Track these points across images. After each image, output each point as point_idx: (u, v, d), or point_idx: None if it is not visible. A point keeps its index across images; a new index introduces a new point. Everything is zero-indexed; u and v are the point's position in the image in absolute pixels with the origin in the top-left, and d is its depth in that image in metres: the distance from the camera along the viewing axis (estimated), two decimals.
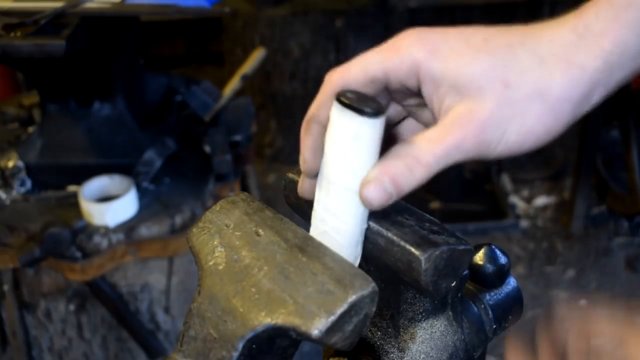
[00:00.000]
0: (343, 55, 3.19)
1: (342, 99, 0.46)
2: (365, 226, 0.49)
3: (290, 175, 0.55)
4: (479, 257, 0.58)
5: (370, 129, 0.45)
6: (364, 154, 0.46)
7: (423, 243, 0.47)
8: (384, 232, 0.49)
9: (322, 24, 3.12)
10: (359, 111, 0.45)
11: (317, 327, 0.42)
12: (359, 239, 0.49)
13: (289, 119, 3.32)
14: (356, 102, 0.45)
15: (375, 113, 0.45)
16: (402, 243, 0.48)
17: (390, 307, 0.54)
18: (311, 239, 0.48)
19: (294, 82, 3.21)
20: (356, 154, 0.46)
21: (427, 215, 0.52)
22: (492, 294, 0.60)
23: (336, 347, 0.44)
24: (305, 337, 0.43)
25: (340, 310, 0.42)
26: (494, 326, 0.59)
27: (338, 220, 0.48)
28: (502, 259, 0.59)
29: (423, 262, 0.46)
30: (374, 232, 0.49)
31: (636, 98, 2.74)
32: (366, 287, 0.43)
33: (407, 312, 0.54)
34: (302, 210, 0.53)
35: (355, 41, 3.18)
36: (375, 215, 0.50)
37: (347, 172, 0.47)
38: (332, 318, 0.42)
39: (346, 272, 0.44)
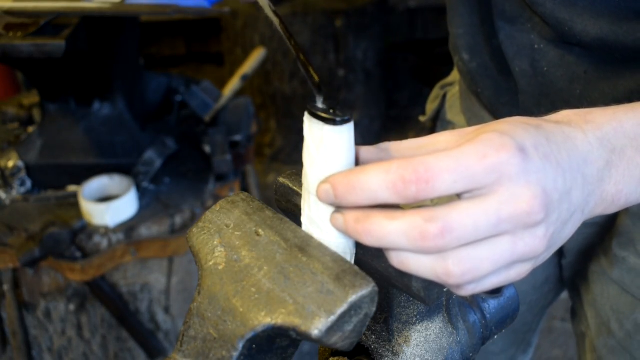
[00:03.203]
0: (343, 55, 3.20)
1: (311, 109, 0.46)
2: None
3: (281, 179, 0.55)
4: None
5: (338, 136, 0.46)
6: (335, 162, 0.46)
7: None
8: None
9: (322, 24, 3.12)
10: (326, 120, 0.45)
11: (317, 327, 0.42)
12: (347, 250, 0.49)
13: (289, 119, 3.32)
14: (324, 111, 0.46)
15: (342, 121, 0.45)
16: None
17: (384, 310, 0.54)
18: (311, 238, 0.48)
19: (294, 82, 3.22)
20: (328, 163, 0.46)
21: None
22: (492, 300, 0.60)
23: (336, 347, 0.44)
24: (305, 337, 0.43)
25: (340, 310, 0.42)
26: (490, 330, 0.59)
27: (322, 233, 0.48)
28: None
29: None
30: None
31: None
32: (366, 287, 0.43)
33: (401, 315, 0.53)
34: (293, 214, 0.53)
35: (355, 41, 3.18)
36: None
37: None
38: (332, 318, 0.42)
39: (346, 272, 0.44)
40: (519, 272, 0.47)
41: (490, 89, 0.92)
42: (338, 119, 0.45)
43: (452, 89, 1.11)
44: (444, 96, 1.13)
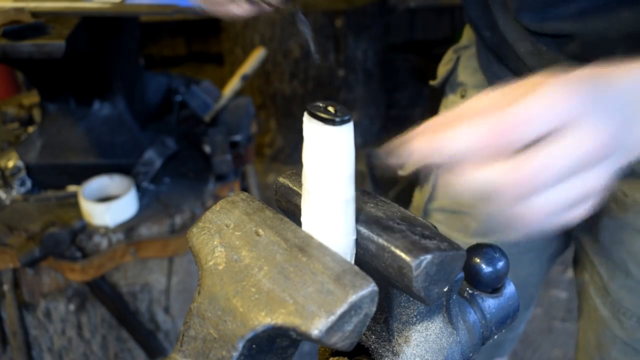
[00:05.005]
0: (343, 55, 3.19)
1: (311, 109, 0.46)
2: (353, 237, 0.49)
3: (281, 179, 0.54)
4: (476, 258, 0.58)
5: (337, 136, 0.46)
6: (335, 162, 0.46)
7: (414, 249, 0.47)
8: (375, 237, 0.48)
9: (322, 24, 3.12)
10: (325, 120, 0.45)
11: (317, 327, 0.42)
12: (347, 250, 0.49)
13: (289, 119, 3.32)
14: (323, 111, 0.46)
15: (341, 121, 0.45)
16: (393, 249, 0.47)
17: (384, 310, 0.54)
18: (311, 239, 0.48)
19: (294, 82, 3.22)
20: (328, 163, 0.46)
21: (420, 220, 0.51)
22: (492, 300, 0.60)
23: (336, 347, 0.44)
24: (305, 337, 0.43)
25: (340, 310, 0.42)
26: (490, 330, 0.59)
27: (322, 233, 0.48)
28: (500, 262, 0.58)
29: (414, 268, 0.46)
30: (364, 238, 0.49)
31: None
32: (366, 287, 0.43)
33: (401, 315, 0.53)
34: (293, 214, 0.53)
35: (355, 41, 3.18)
36: (366, 220, 0.50)
37: (323, 182, 0.47)
38: (332, 318, 0.42)
39: (346, 272, 0.44)
40: (580, 211, 0.49)
41: (515, 60, 0.95)
42: (337, 119, 0.45)
43: (466, 52, 1.14)
44: (458, 59, 1.16)
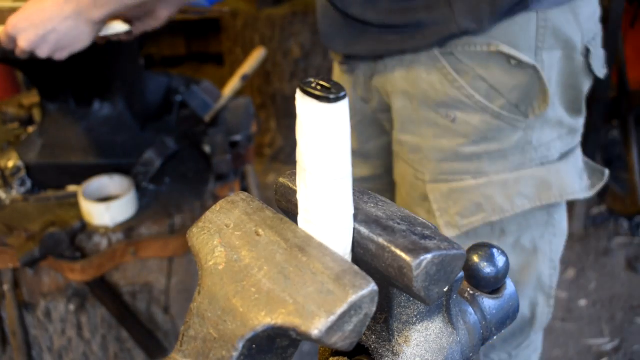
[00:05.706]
0: None
1: (304, 87, 0.45)
2: (351, 212, 0.49)
3: (282, 179, 0.54)
4: (476, 258, 0.58)
5: (332, 113, 0.44)
6: (330, 139, 0.45)
7: (414, 249, 0.47)
8: (375, 237, 0.48)
9: None
10: (319, 97, 0.44)
11: (317, 327, 0.42)
12: (345, 229, 0.48)
13: (289, 119, 3.32)
14: (317, 89, 0.44)
15: (336, 98, 0.44)
16: (393, 249, 0.47)
17: (384, 310, 0.54)
18: (311, 238, 0.48)
19: (294, 82, 3.22)
20: (322, 140, 0.45)
21: (420, 219, 0.51)
22: (492, 300, 0.60)
23: (336, 347, 0.44)
24: (305, 337, 0.43)
25: (340, 310, 0.42)
26: (490, 331, 0.59)
27: (320, 209, 0.47)
28: (500, 262, 0.58)
29: (414, 268, 0.46)
30: (364, 238, 0.49)
31: (636, 98, 2.76)
32: (366, 287, 0.43)
33: (401, 315, 0.53)
34: (293, 214, 0.53)
35: None
36: (366, 220, 0.49)
37: (319, 159, 0.46)
38: (332, 318, 0.42)
39: (346, 272, 0.44)
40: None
41: None
42: (332, 96, 0.44)
43: None
44: None
